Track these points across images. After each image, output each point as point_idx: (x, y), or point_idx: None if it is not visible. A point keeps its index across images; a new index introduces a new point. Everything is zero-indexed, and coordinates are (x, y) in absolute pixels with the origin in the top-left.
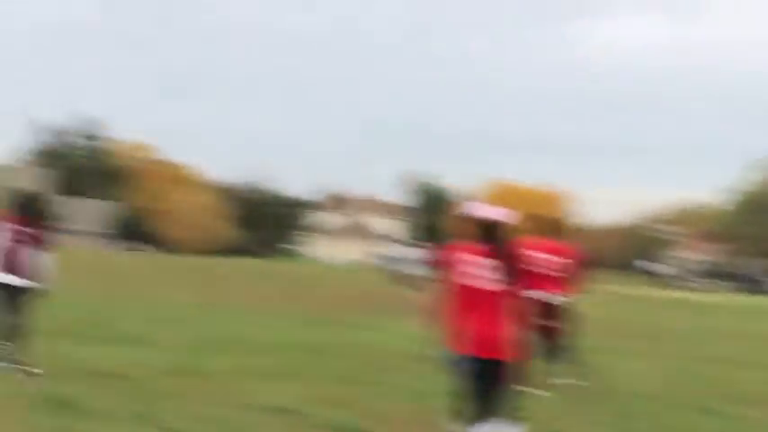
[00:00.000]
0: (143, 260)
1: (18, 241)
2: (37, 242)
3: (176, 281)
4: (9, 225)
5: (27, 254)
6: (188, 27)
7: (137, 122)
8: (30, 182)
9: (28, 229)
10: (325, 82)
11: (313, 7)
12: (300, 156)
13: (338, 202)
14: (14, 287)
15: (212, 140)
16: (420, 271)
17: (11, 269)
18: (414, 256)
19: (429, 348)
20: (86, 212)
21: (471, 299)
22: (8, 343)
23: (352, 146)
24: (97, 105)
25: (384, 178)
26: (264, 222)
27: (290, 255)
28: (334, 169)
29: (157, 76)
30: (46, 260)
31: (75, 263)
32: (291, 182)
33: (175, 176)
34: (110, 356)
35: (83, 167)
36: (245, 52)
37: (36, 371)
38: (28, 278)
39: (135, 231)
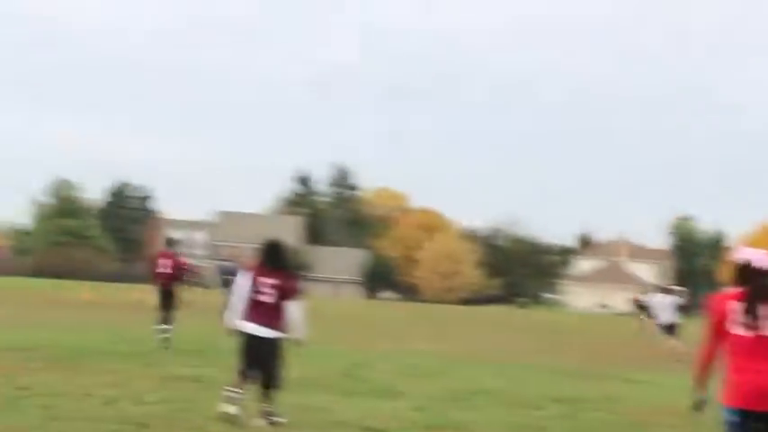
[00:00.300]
0: (392, 308)
1: (264, 292)
2: (284, 292)
3: (427, 330)
4: (256, 275)
5: (274, 304)
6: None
7: (383, 170)
8: (281, 231)
9: (274, 279)
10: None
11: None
12: (551, 199)
13: (592, 247)
14: (260, 338)
15: (463, 186)
16: (680, 319)
17: (257, 319)
18: (674, 302)
19: (699, 403)
20: (335, 260)
21: (746, 348)
22: (241, 391)
23: (606, 187)
24: (345, 153)
25: (640, 220)
26: (517, 269)
27: (543, 302)
28: (588, 212)
29: (400, 123)
30: (294, 310)
31: (324, 312)
32: (544, 227)
33: (426, 223)
34: (361, 409)
35: (331, 215)
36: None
37: (281, 420)
38: (275, 329)
39: (384, 279)
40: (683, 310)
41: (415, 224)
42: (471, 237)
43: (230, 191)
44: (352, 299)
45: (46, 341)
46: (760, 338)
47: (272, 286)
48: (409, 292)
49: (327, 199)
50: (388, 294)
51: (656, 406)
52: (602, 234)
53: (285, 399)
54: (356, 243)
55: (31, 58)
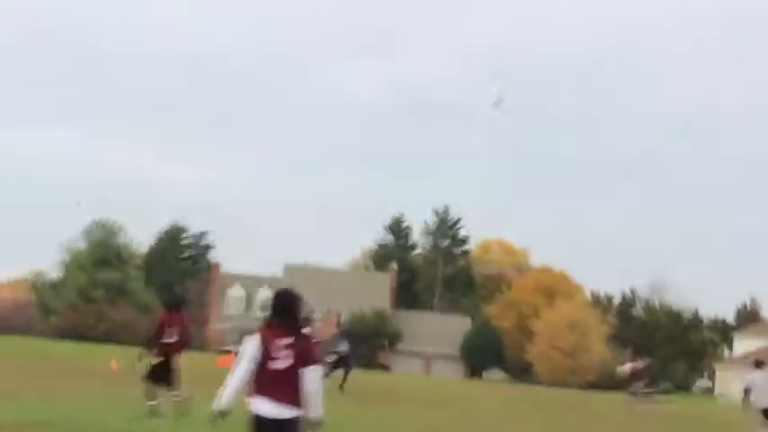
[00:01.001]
0: (496, 391)
1: (278, 357)
2: (301, 356)
3: (534, 419)
4: (267, 336)
5: (290, 373)
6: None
7: (496, 219)
8: (366, 291)
9: (289, 340)
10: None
11: None
12: (706, 261)
13: (758, 324)
14: (276, 420)
15: (593, 241)
16: None
17: (270, 394)
18: None
19: None
20: (431, 329)
21: None
22: None
23: None
24: (449, 197)
25: None
26: (658, 347)
27: (690, 390)
28: (753, 280)
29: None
30: (312, 380)
31: (407, 392)
32: (695, 296)
33: (547, 286)
34: None
35: (429, 273)
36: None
37: None
38: (294, 405)
39: (491, 354)
40: None
41: (532, 287)
42: (602, 305)
43: (303, 240)
44: (448, 378)
45: (57, 416)
46: None
47: (288, 348)
48: (522, 371)
49: (425, 253)
50: (494, 374)
51: None
52: None
53: None
54: (458, 308)
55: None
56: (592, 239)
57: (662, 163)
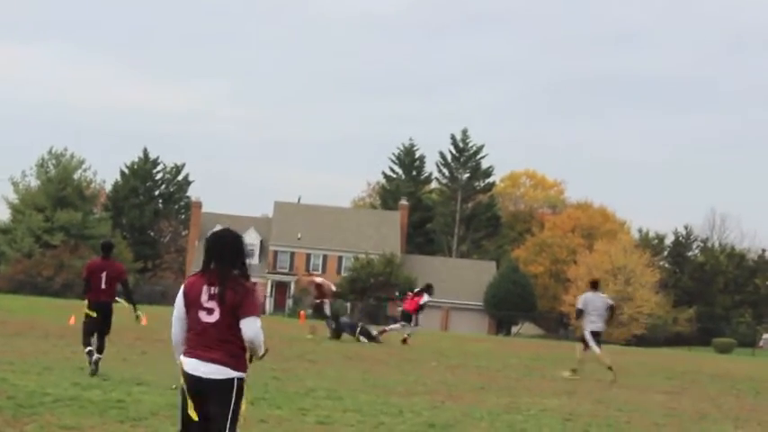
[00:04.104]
0: (524, 347)
1: (207, 309)
2: (237, 308)
3: (564, 379)
4: (198, 285)
5: (224, 326)
6: None
7: (527, 147)
8: (372, 231)
9: (219, 289)
10: None
11: None
12: None
13: None
14: (209, 381)
15: (643, 173)
16: None
17: (201, 352)
18: None
19: None
20: (450, 277)
21: None
22: None
23: None
24: (470, 121)
25: None
26: (718, 296)
27: (757, 345)
28: None
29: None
30: (252, 331)
31: (422, 348)
32: (762, 235)
33: (586, 225)
34: None
35: (447, 212)
36: None
37: None
38: (229, 365)
39: (520, 305)
40: None
41: (568, 226)
42: (651, 246)
43: (298, 177)
44: (470, 333)
45: None
46: None
47: (217, 298)
48: (557, 325)
49: (442, 188)
50: (525, 328)
51: None
52: None
53: None
54: (481, 252)
55: None
56: (638, 170)
57: (721, 85)
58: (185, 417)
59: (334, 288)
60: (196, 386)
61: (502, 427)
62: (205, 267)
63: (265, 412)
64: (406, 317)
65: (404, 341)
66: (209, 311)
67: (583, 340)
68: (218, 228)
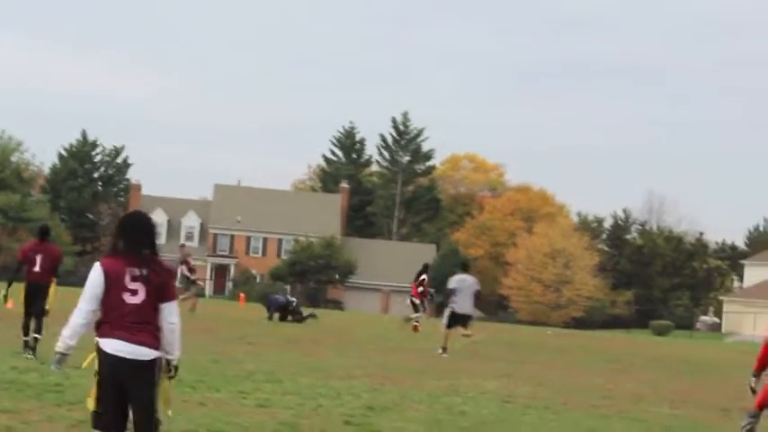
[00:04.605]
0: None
1: (131, 290)
2: (158, 289)
3: (502, 361)
4: (116, 267)
5: (146, 308)
6: None
7: (468, 130)
8: (312, 215)
9: (142, 271)
10: None
11: None
12: (711, 179)
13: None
14: (134, 362)
15: (581, 156)
16: None
17: (126, 333)
18: None
19: None
20: (390, 260)
21: None
22: None
23: None
24: (411, 107)
25: None
26: (656, 279)
27: (693, 328)
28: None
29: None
30: (170, 315)
31: (358, 330)
32: (699, 219)
33: (525, 208)
34: None
35: (387, 195)
36: None
37: None
38: (150, 346)
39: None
40: None
41: (508, 209)
42: (590, 229)
43: (239, 159)
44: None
45: None
46: None
47: (141, 280)
48: (496, 307)
49: (382, 171)
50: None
51: None
52: None
53: None
54: (421, 235)
55: None
56: (578, 154)
57: (659, 70)
58: (105, 398)
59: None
60: (119, 367)
61: (441, 410)
62: (119, 249)
63: (204, 395)
64: (416, 304)
65: (415, 329)
66: (134, 293)
67: (447, 318)
68: (131, 210)
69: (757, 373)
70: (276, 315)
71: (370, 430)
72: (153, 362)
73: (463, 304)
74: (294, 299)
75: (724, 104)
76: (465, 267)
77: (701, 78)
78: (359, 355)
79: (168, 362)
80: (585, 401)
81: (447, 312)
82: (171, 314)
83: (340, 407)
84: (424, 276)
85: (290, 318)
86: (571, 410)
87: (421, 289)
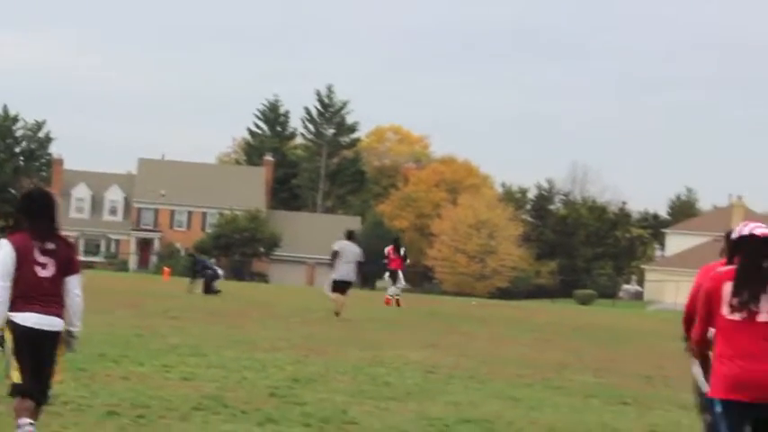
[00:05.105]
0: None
1: (42, 264)
2: (66, 265)
3: (425, 332)
4: (27, 243)
5: (55, 281)
6: None
7: (391, 102)
8: (236, 188)
9: (51, 246)
10: None
11: None
12: (635, 152)
13: (693, 218)
14: (50, 333)
15: (503, 128)
16: None
17: (41, 306)
18: None
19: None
20: (314, 232)
21: (735, 333)
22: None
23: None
24: (335, 79)
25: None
26: (580, 248)
27: (616, 296)
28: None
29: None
30: (76, 288)
31: (282, 302)
32: (622, 190)
33: (450, 179)
34: None
35: (312, 167)
36: None
37: None
38: (60, 316)
39: (383, 259)
40: None
41: (432, 181)
42: (514, 200)
43: (162, 132)
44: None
45: None
46: (750, 323)
47: (50, 254)
48: (422, 278)
49: (306, 143)
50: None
51: None
52: (707, 200)
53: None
54: (346, 207)
55: None
56: (502, 125)
57: (577, 36)
58: (24, 369)
59: None
60: (34, 339)
61: (365, 381)
62: (23, 225)
63: (128, 369)
64: (395, 276)
65: (387, 301)
66: (44, 266)
67: (330, 285)
68: (31, 187)
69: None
70: (200, 286)
71: (295, 402)
72: (61, 333)
73: (342, 271)
74: (222, 272)
75: (647, 70)
76: (350, 236)
77: (621, 48)
78: (283, 327)
79: (71, 333)
80: (509, 371)
81: (329, 280)
82: (76, 287)
83: (265, 379)
84: (402, 250)
85: (209, 291)
86: (495, 380)
87: (408, 261)
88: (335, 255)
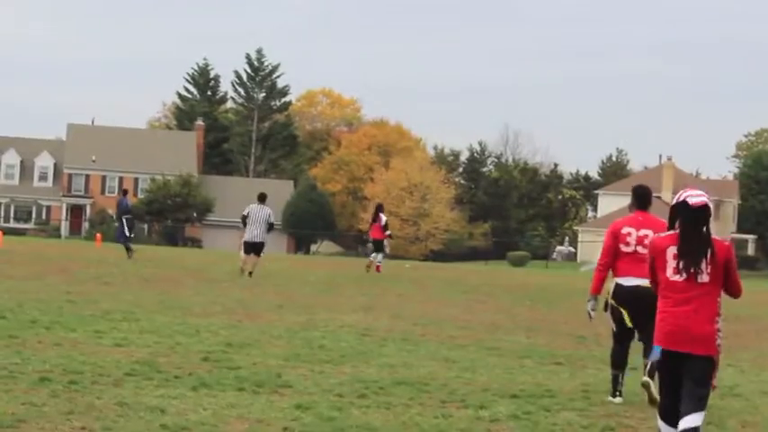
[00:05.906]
0: (321, 266)
1: None
2: None
3: (360, 295)
4: None
5: None
6: None
7: (321, 65)
8: (166, 153)
9: None
10: None
11: None
12: (566, 112)
13: (624, 178)
14: None
15: (437, 90)
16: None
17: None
18: None
19: None
20: (246, 197)
21: (673, 292)
22: None
23: (644, 97)
24: (265, 42)
25: (695, 142)
26: (512, 210)
27: (548, 258)
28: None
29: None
30: None
31: (214, 268)
32: (554, 151)
33: (381, 142)
34: (220, 407)
35: (243, 131)
36: None
37: None
38: None
39: (318, 224)
40: (749, 263)
41: (365, 144)
42: (447, 163)
43: (92, 97)
44: (269, 253)
45: None
46: (688, 283)
47: None
48: (355, 242)
49: (237, 108)
50: (325, 246)
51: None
52: (638, 161)
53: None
54: (278, 171)
55: None
56: (433, 87)
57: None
58: None
59: None
60: None
61: (300, 344)
62: None
63: (60, 335)
64: (378, 245)
65: (377, 269)
66: None
67: (243, 246)
68: None
69: (593, 296)
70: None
71: (229, 366)
72: None
73: (252, 232)
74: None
75: (576, 35)
76: (262, 198)
77: (553, 13)
78: (217, 292)
79: None
80: (443, 332)
81: (241, 240)
82: None
83: (198, 344)
84: (384, 218)
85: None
86: (428, 341)
87: (389, 232)
88: (245, 218)
